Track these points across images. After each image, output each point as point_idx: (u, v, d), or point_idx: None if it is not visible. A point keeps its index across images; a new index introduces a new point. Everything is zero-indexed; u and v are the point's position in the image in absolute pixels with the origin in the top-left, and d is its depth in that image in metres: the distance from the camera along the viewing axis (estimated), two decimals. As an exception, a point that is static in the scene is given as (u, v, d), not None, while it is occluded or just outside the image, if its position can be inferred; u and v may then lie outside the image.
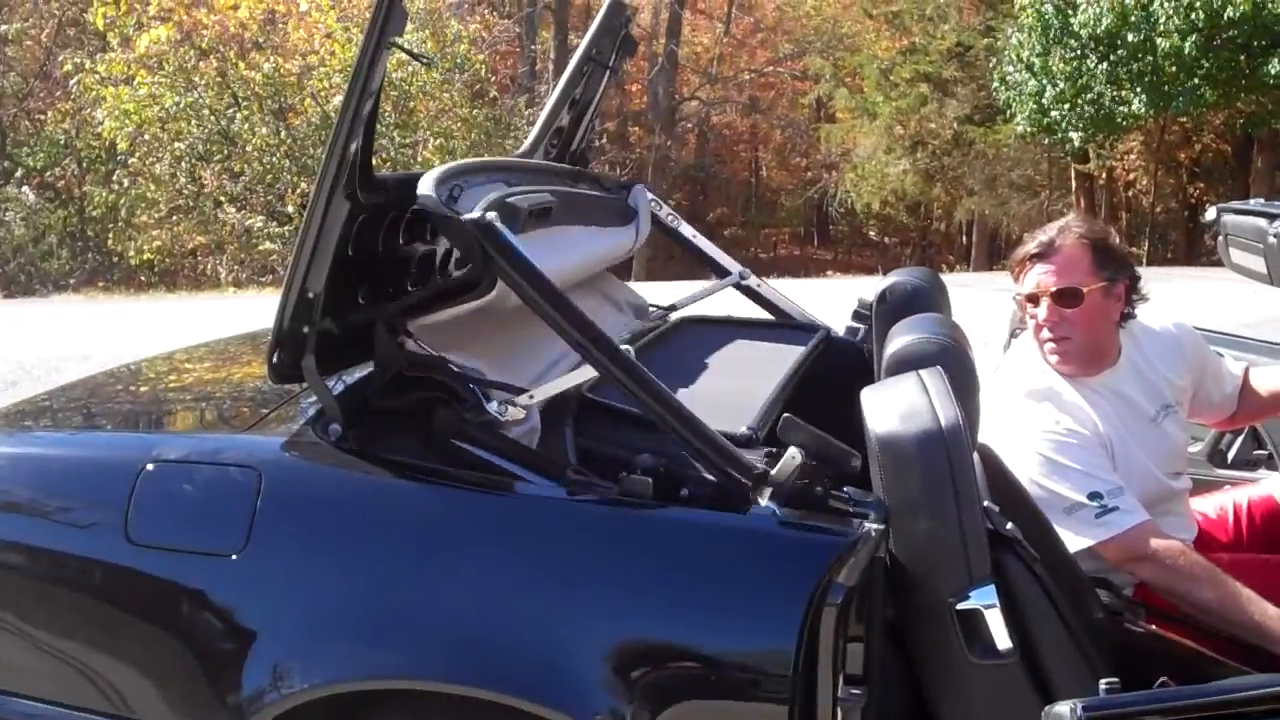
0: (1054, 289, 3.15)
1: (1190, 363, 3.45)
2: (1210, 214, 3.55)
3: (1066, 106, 23.06)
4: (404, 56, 17.79)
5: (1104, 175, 32.24)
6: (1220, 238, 3.52)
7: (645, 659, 2.17)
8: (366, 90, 2.16)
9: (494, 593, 2.19)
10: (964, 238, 38.57)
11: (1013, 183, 32.34)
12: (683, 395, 2.81)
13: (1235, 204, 3.49)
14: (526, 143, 3.35)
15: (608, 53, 3.44)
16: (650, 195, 3.94)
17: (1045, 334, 3.19)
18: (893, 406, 2.24)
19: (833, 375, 3.28)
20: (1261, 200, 3.41)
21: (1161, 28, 20.21)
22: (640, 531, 2.22)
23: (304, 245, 2.21)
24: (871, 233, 44.55)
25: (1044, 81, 23.29)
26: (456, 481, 2.31)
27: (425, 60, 20.37)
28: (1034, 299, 3.19)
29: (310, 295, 2.26)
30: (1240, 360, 3.68)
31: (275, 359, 2.31)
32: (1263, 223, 3.10)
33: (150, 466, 2.40)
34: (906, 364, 2.50)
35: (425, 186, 2.41)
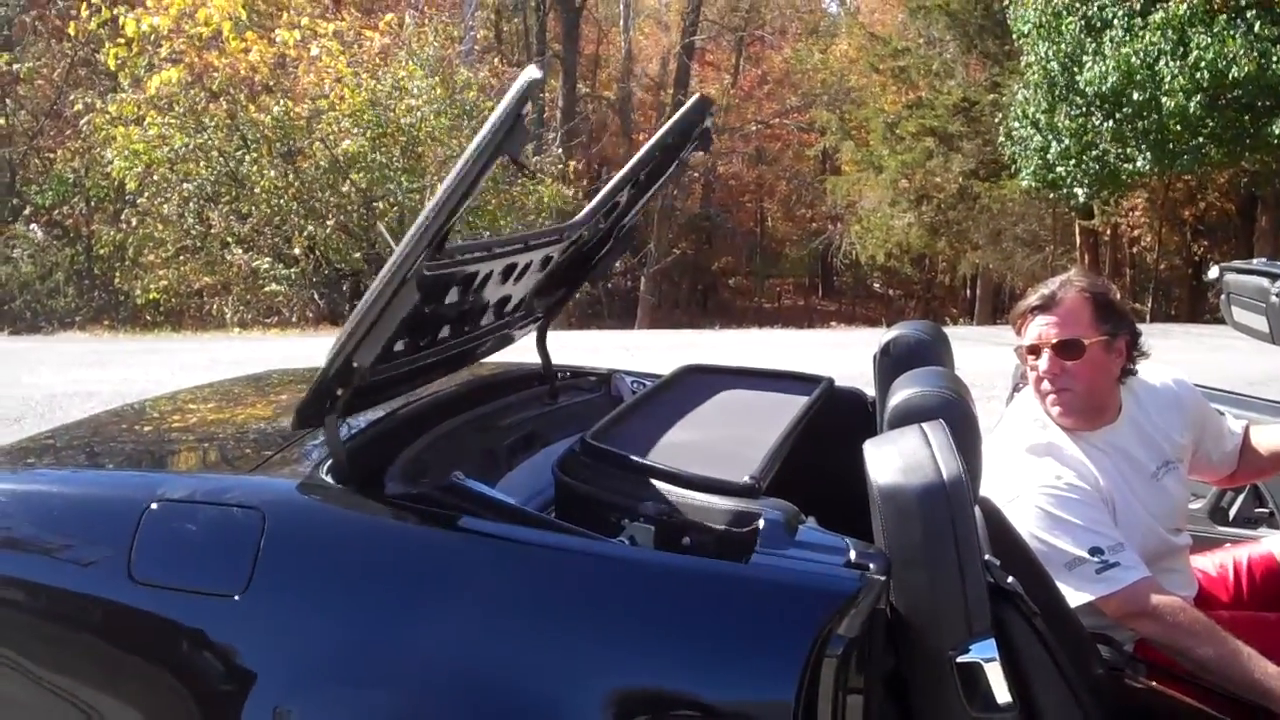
0: (1055, 340, 3.16)
1: (1191, 420, 3.46)
2: (1213, 273, 3.57)
3: (1072, 163, 23.16)
4: (416, 102, 17.87)
5: (1108, 231, 32.39)
6: (1223, 296, 3.54)
7: (645, 709, 2.16)
8: (468, 193, 2.18)
9: (493, 641, 2.19)
10: (968, 291, 38.68)
11: (1017, 237, 32.47)
12: (685, 444, 2.82)
13: (1238, 263, 3.50)
14: (581, 214, 3.35)
15: (683, 143, 3.46)
16: (630, 378, 3.95)
17: (1046, 385, 3.20)
18: (895, 459, 2.24)
19: (836, 426, 3.28)
20: (1264, 260, 3.43)
21: (1166, 87, 20.31)
22: (641, 581, 2.22)
23: (363, 320, 2.23)
24: (876, 285, 44.70)
25: (1049, 137, 23.40)
26: (459, 527, 2.32)
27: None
28: (1035, 350, 3.20)
29: (354, 365, 2.28)
30: (1241, 419, 3.69)
31: (305, 410, 2.34)
32: (1265, 282, 3.12)
33: (154, 505, 2.40)
34: (909, 417, 2.50)
35: None
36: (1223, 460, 3.58)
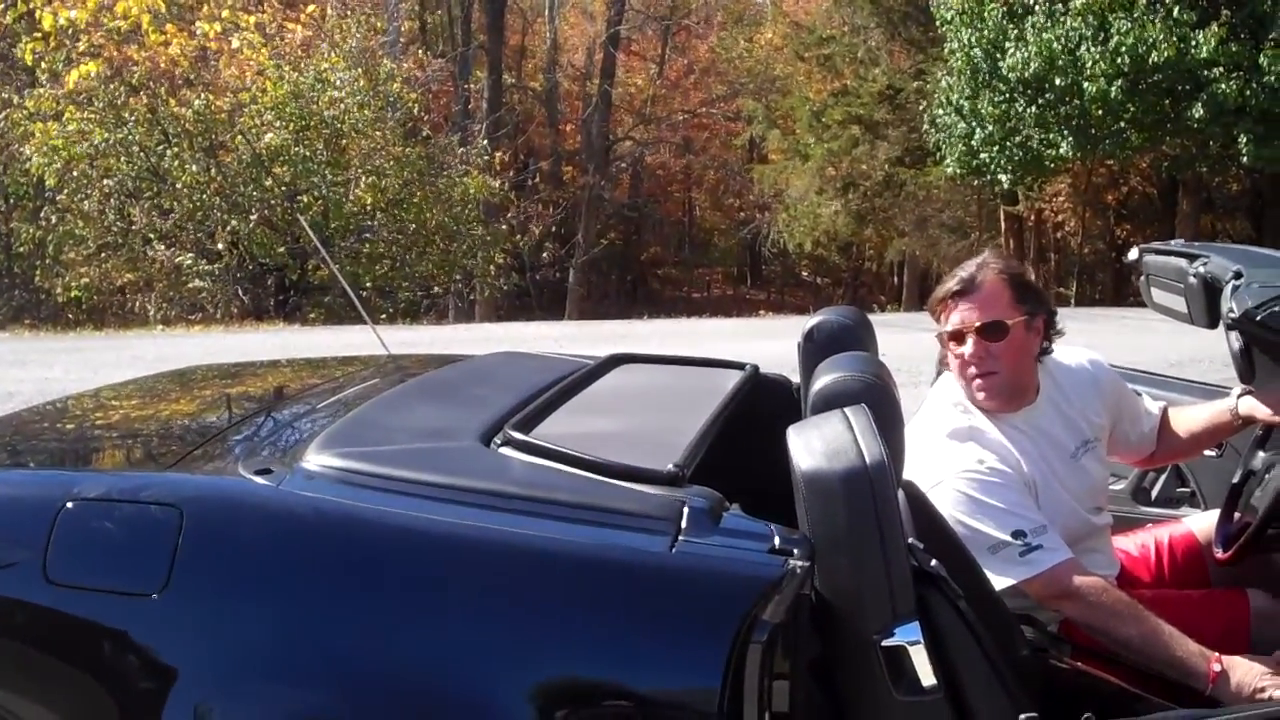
0: (979, 324, 3.15)
1: (1107, 400, 3.48)
2: (1133, 254, 3.60)
3: (995, 149, 23.40)
4: (339, 94, 17.77)
5: (1033, 217, 32.68)
6: (1142, 278, 3.57)
7: (571, 701, 2.15)
8: None
9: (417, 634, 2.17)
10: (895, 278, 38.98)
11: (943, 224, 32.75)
12: (609, 433, 2.81)
13: (1157, 245, 3.53)
14: None
15: None
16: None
17: (971, 370, 3.19)
18: (818, 444, 2.24)
19: (762, 412, 3.28)
20: (1183, 241, 3.46)
21: (1088, 72, 20.57)
22: (564, 570, 2.21)
23: None
24: (804, 273, 44.94)
25: (973, 124, 23.62)
26: (378, 519, 2.29)
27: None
28: (959, 336, 3.19)
29: None
30: (1162, 399, 3.73)
31: None
32: (1183, 263, 3.14)
33: (70, 505, 2.35)
34: (832, 401, 2.50)
35: None
36: (1141, 441, 3.61)
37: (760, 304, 38.88)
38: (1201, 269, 3.00)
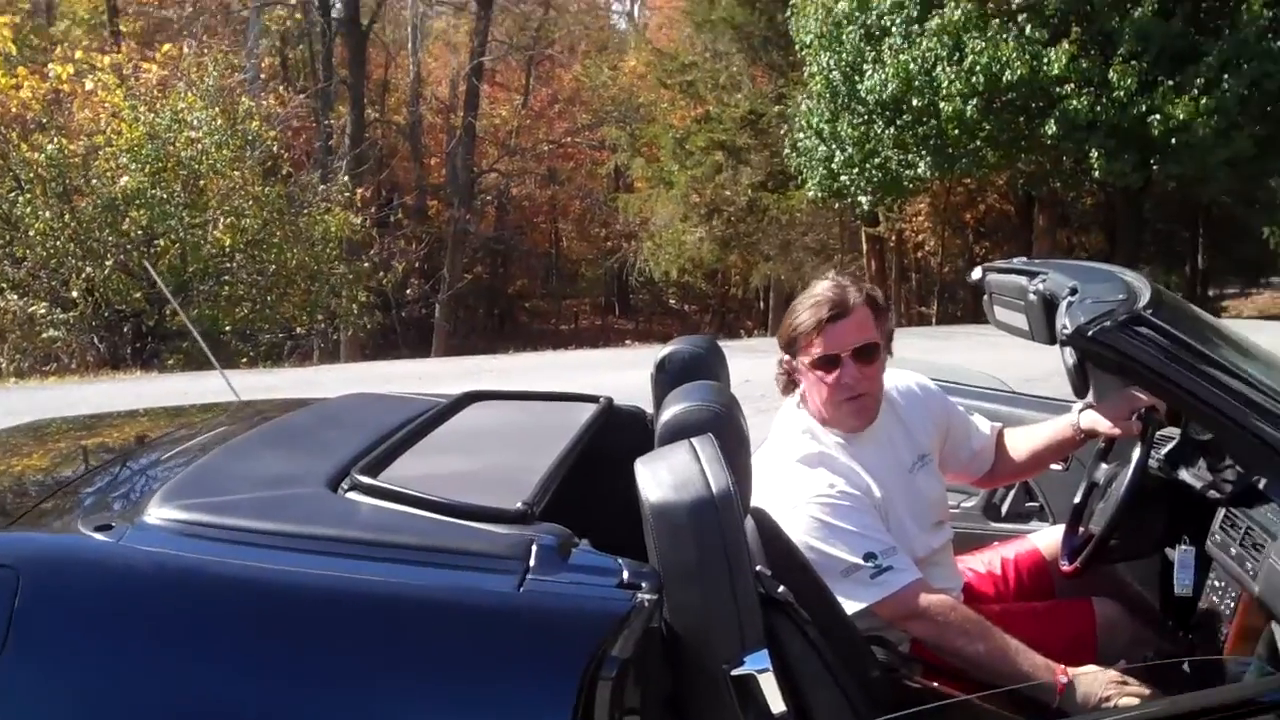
0: (856, 347, 3.17)
1: (936, 418, 3.55)
2: (976, 274, 3.66)
3: (855, 171, 23.72)
4: (197, 134, 17.48)
5: (894, 237, 33.20)
6: (986, 296, 3.63)
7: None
8: None
9: (260, 686, 2.12)
10: (761, 303, 39.29)
11: (807, 247, 33.11)
12: (460, 473, 2.78)
13: (999, 263, 3.59)
14: None
15: None
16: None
17: (845, 394, 3.20)
18: (665, 475, 2.24)
19: (616, 445, 3.28)
20: (1024, 259, 3.52)
21: (944, 92, 20.92)
22: (412, 613, 2.18)
23: None
24: (671, 301, 45.20)
25: (833, 147, 23.94)
26: (220, 573, 2.24)
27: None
28: (832, 360, 3.18)
29: None
30: (1011, 416, 3.79)
31: None
32: (1024, 281, 3.20)
33: (-97, 565, 2.28)
34: (679, 432, 2.50)
35: None
36: (974, 460, 3.68)
37: (628, 333, 38.93)
38: (1040, 286, 3.06)
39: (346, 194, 26.44)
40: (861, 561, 2.99)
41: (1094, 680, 2.87)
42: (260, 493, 2.53)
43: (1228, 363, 2.64)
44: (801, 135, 25.18)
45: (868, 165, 23.44)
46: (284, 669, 2.14)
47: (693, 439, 2.37)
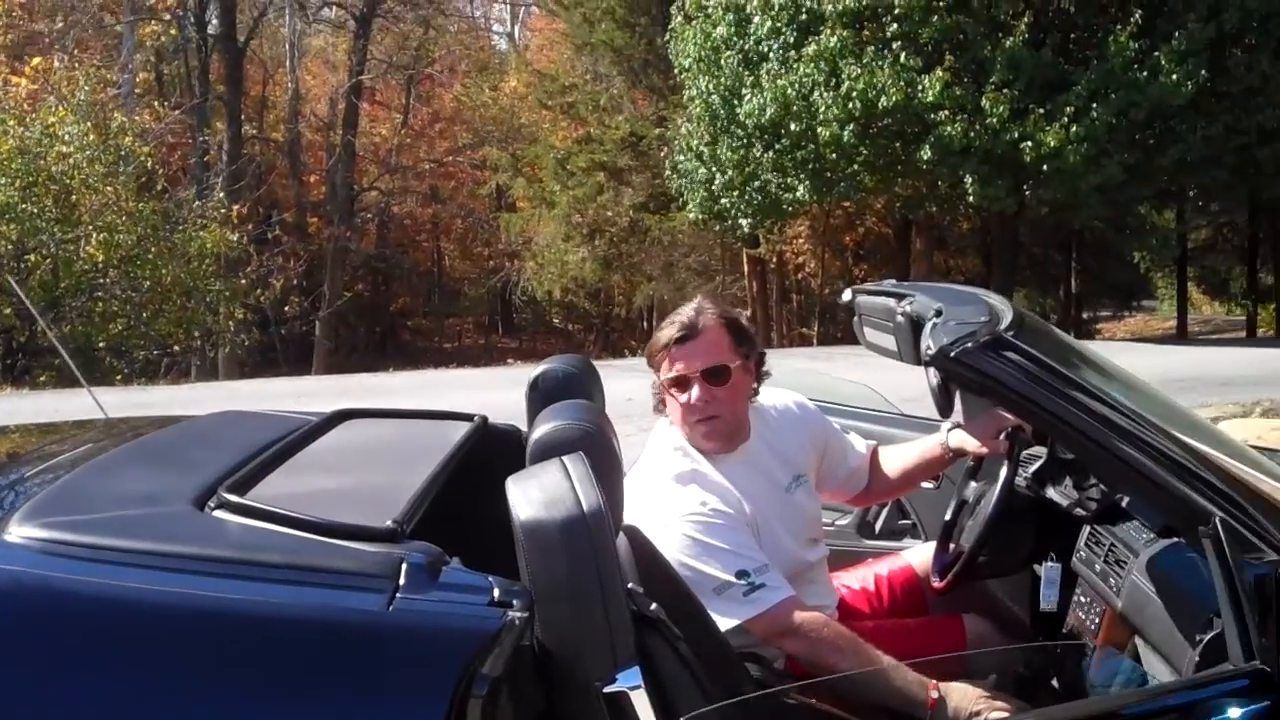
0: (704, 369, 3.21)
1: (813, 437, 3.61)
2: (846, 296, 3.71)
3: (735, 194, 23.90)
4: (68, 148, 17.12)
5: (775, 259, 33.46)
6: (856, 318, 3.68)
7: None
8: None
9: (117, 709, 2.09)
10: (645, 322, 39.39)
11: (689, 268, 33.35)
12: (332, 490, 2.76)
13: (869, 285, 3.64)
14: None
15: None
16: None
17: (695, 416, 3.24)
18: (536, 493, 2.23)
19: (490, 464, 3.27)
20: (893, 281, 3.58)
21: (821, 117, 21.15)
22: (278, 633, 2.16)
23: None
24: (555, 320, 45.13)
25: (713, 170, 24.10)
26: (80, 592, 2.20)
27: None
28: (683, 382, 3.24)
29: None
30: (884, 435, 3.85)
31: None
32: (891, 302, 3.24)
33: None
34: (550, 450, 2.50)
35: None
36: (850, 478, 3.74)
37: (511, 352, 38.88)
38: (908, 308, 3.11)
39: (223, 210, 26.06)
40: (734, 579, 3.02)
41: (964, 695, 2.92)
42: (125, 510, 2.48)
43: (1088, 384, 2.69)
44: (682, 158, 25.33)
45: (747, 188, 23.62)
46: (146, 689, 2.11)
47: (564, 457, 2.37)
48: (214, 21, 36.24)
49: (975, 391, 2.97)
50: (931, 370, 2.92)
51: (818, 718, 2.87)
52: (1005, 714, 2.87)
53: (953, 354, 2.61)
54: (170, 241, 23.97)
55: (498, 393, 13.27)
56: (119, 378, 22.03)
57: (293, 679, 2.14)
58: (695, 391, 3.22)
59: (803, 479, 3.47)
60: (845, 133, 21.03)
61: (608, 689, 2.14)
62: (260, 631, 2.16)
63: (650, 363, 3.33)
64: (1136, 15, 20.88)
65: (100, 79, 25.15)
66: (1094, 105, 20.51)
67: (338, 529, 2.32)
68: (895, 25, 21.21)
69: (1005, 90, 20.80)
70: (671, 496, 3.15)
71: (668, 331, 3.25)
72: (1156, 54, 20.56)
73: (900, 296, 3.22)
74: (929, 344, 2.67)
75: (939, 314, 2.81)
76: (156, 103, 31.64)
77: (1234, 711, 2.31)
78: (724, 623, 2.94)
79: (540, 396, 3.29)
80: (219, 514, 2.44)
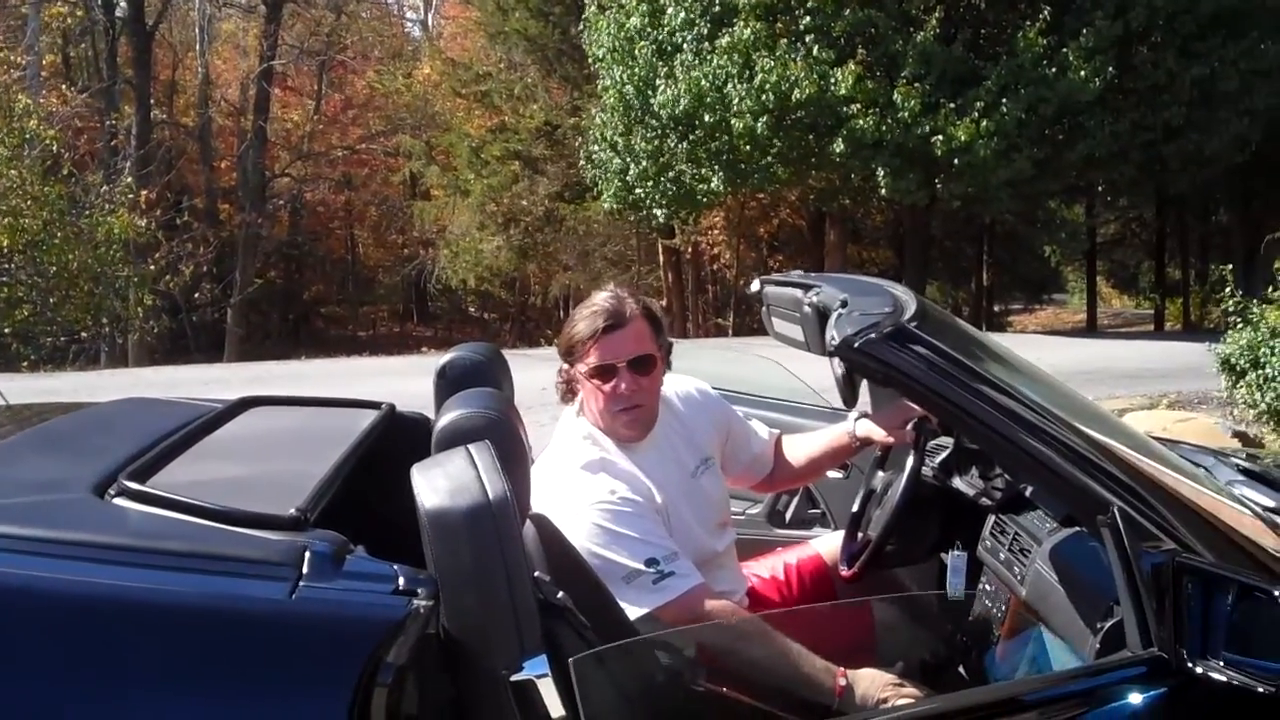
0: (631, 358, 3.22)
1: (716, 421, 3.65)
2: (754, 286, 3.73)
3: (650, 184, 23.95)
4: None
5: (690, 250, 33.53)
6: (765, 308, 3.70)
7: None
8: None
9: (13, 698, 2.06)
10: (561, 311, 39.35)
11: (605, 257, 33.35)
12: (236, 478, 2.73)
13: (776, 276, 3.66)
14: None
15: None
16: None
17: (620, 405, 3.25)
18: (441, 481, 2.23)
19: (398, 452, 3.25)
20: (800, 272, 3.60)
21: (735, 109, 21.25)
22: (178, 621, 2.13)
23: None
24: (471, 309, 44.98)
25: (628, 160, 24.12)
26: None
27: None
28: (608, 370, 3.23)
29: None
30: (792, 424, 3.88)
31: None
32: (799, 293, 3.26)
33: None
34: (455, 438, 2.50)
35: None
36: (754, 464, 3.78)
37: (426, 340, 38.67)
38: (815, 299, 3.13)
39: (130, 195, 25.63)
40: (643, 567, 3.02)
41: (872, 682, 2.95)
42: (23, 498, 2.45)
43: (991, 375, 2.73)
44: (596, 147, 25.32)
45: (662, 179, 23.70)
46: (44, 678, 2.08)
47: (470, 445, 2.37)
48: (121, 4, 35.63)
49: (879, 382, 3.00)
50: (836, 360, 2.94)
51: (726, 705, 2.88)
52: (912, 700, 2.91)
53: (856, 344, 2.64)
54: (77, 226, 23.55)
55: (411, 381, 13.18)
56: (25, 364, 21.67)
57: (194, 668, 2.12)
58: (622, 380, 3.22)
59: (709, 462, 3.50)
60: (759, 125, 21.12)
61: (515, 677, 2.13)
62: (161, 620, 2.14)
63: (566, 351, 3.31)
64: (1045, 12, 21.17)
65: (4, 61, 24.69)
66: (1004, 100, 20.78)
67: (240, 517, 2.30)
68: (808, 18, 21.36)
69: (917, 84, 21.03)
70: (580, 485, 3.16)
71: (592, 321, 3.23)
72: (1065, 50, 20.88)
73: (807, 287, 3.24)
74: (833, 334, 2.69)
75: (844, 305, 2.83)
76: (63, 86, 31.11)
77: (1134, 697, 2.35)
78: (633, 611, 2.94)
79: (448, 384, 3.29)
80: (119, 501, 2.41)
